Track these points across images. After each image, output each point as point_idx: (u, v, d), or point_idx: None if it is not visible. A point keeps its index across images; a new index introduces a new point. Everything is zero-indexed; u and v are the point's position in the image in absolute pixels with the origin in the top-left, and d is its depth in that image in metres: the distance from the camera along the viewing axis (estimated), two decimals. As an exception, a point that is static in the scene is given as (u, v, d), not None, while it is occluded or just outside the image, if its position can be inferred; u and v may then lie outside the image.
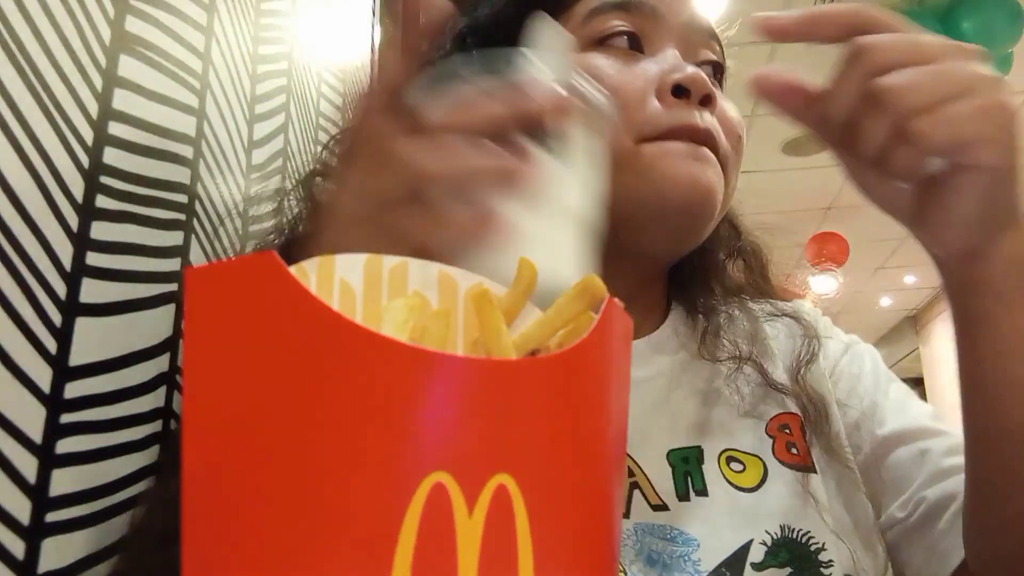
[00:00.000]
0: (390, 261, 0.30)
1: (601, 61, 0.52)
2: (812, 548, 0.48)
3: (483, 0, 0.59)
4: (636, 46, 0.53)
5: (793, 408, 0.55)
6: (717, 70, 0.57)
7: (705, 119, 0.50)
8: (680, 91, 0.50)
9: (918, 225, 0.42)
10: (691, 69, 0.51)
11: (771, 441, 0.53)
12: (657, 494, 0.49)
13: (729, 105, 0.55)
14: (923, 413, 0.56)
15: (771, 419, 0.54)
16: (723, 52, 0.58)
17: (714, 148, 0.50)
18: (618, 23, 0.53)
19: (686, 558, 0.47)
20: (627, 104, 0.50)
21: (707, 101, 0.51)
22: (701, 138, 0.50)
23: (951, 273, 0.42)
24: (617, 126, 0.49)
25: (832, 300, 4.87)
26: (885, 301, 6.40)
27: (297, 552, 0.19)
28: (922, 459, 0.52)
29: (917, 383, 6.36)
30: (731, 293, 0.62)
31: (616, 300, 0.26)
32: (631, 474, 0.50)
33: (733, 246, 0.63)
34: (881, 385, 0.58)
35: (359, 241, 0.32)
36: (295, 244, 0.51)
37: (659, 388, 0.55)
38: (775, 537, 0.48)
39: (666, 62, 0.52)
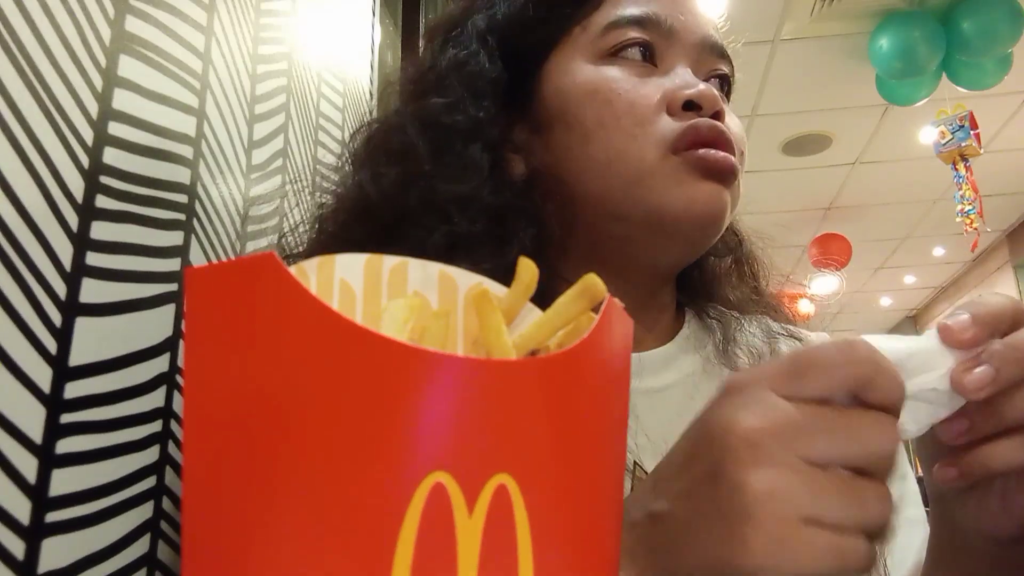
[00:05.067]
0: (390, 261, 0.30)
1: (616, 74, 0.53)
2: None
3: None
4: (650, 59, 0.54)
5: None
6: (724, 83, 0.58)
7: (720, 126, 0.52)
8: (690, 107, 0.52)
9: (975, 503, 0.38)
10: (703, 86, 0.52)
11: None
12: None
13: (734, 120, 0.56)
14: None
15: None
16: (732, 67, 0.59)
17: (728, 148, 0.52)
18: (634, 35, 0.54)
19: None
20: (643, 118, 0.51)
21: (716, 117, 0.52)
22: (713, 139, 0.51)
23: (996, 552, 0.39)
24: (637, 140, 0.51)
25: (832, 300, 4.87)
26: (885, 301, 6.40)
27: (297, 552, 0.19)
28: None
29: (917, 383, 6.34)
30: (741, 302, 0.62)
31: (616, 300, 0.26)
32: None
33: (737, 253, 0.64)
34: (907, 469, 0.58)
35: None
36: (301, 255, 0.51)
37: (678, 398, 0.55)
38: None
39: (678, 78, 0.53)
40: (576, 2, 0.56)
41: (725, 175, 0.51)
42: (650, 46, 0.54)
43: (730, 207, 0.52)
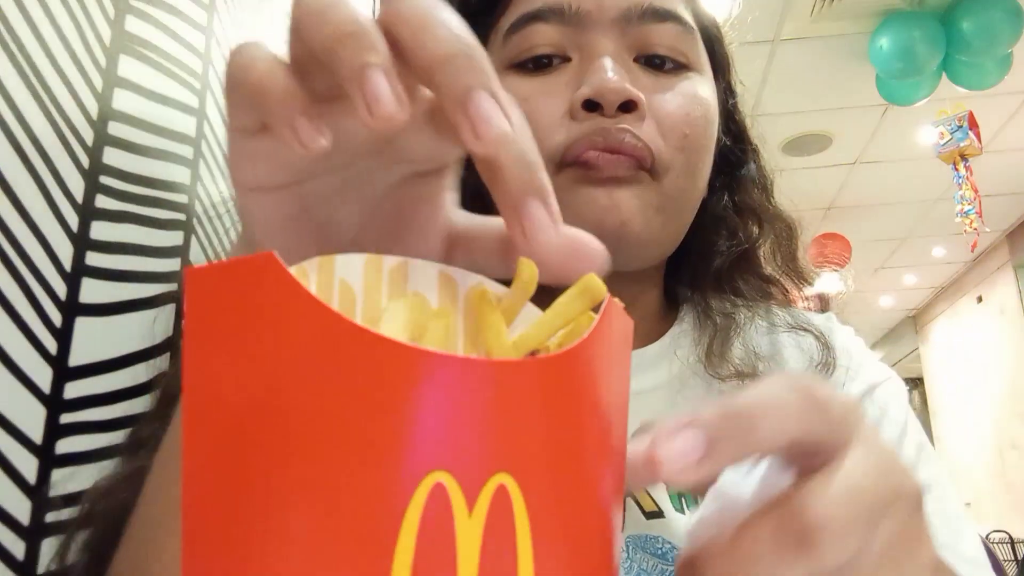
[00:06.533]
0: (390, 261, 0.30)
1: (516, 87, 0.48)
2: None
3: None
4: (561, 54, 0.49)
5: None
6: (672, 54, 0.50)
7: (623, 126, 0.46)
8: (592, 105, 0.46)
9: None
10: (604, 77, 0.46)
11: None
12: (652, 499, 0.48)
13: (674, 96, 0.49)
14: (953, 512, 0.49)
15: None
16: (685, 24, 0.51)
17: (634, 152, 0.46)
18: (538, 39, 0.49)
19: None
20: (541, 133, 0.46)
21: (628, 107, 0.46)
22: (611, 143, 0.46)
23: None
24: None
25: (832, 300, 4.87)
26: (885, 301, 6.39)
27: (296, 551, 0.19)
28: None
29: (917, 383, 6.36)
30: (747, 291, 0.58)
31: (616, 300, 0.26)
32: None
33: (750, 242, 0.59)
34: (906, 450, 0.52)
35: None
36: None
37: (656, 403, 0.53)
38: None
39: (586, 73, 0.47)
40: (486, 7, 0.52)
41: (618, 178, 0.46)
42: (557, 41, 0.49)
43: (645, 207, 0.47)
